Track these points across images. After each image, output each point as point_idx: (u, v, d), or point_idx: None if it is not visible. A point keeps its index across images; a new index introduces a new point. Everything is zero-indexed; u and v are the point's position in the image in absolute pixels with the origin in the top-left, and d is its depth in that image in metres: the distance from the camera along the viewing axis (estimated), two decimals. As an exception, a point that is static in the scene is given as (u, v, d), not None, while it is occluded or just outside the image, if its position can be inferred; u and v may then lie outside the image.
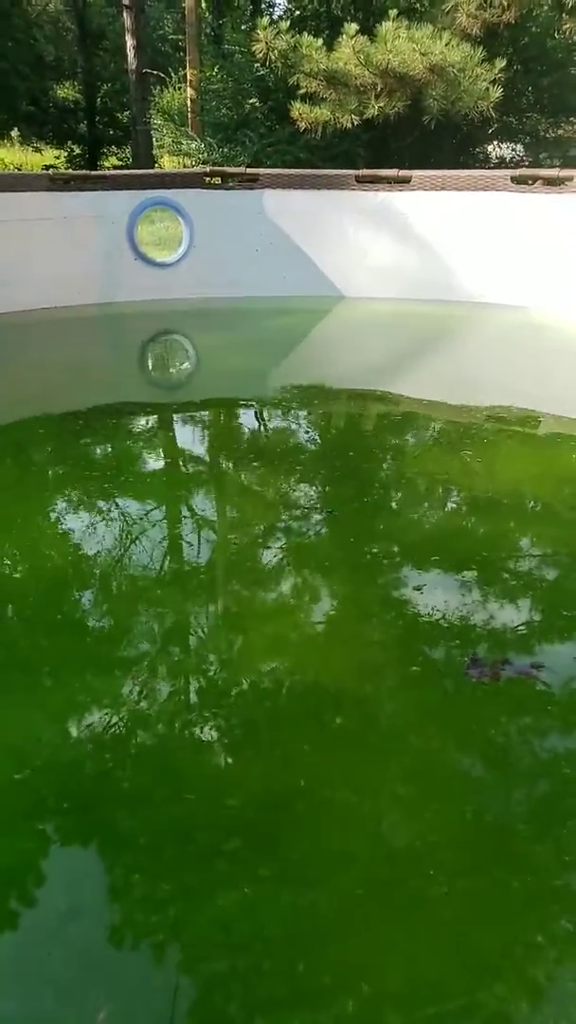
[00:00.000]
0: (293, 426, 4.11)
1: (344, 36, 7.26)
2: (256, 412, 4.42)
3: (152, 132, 11.96)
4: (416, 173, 6.15)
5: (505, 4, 6.75)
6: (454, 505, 3.15)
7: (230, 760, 1.75)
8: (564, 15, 7.15)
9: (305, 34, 7.62)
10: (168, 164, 11.97)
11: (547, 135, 10.57)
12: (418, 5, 9.46)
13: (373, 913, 1.41)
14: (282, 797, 1.65)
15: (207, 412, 4.43)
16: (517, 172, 6.06)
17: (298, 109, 7.77)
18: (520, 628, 2.27)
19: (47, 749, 1.78)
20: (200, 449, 3.88)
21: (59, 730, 1.83)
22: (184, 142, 9.84)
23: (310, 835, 1.56)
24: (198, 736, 1.81)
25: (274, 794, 1.66)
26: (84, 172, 7.99)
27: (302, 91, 7.68)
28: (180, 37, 13.42)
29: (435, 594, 2.38)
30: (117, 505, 3.08)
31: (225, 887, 1.45)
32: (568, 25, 7.28)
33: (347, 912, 1.41)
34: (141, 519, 2.94)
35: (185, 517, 3.10)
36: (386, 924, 1.39)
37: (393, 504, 3.13)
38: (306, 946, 1.36)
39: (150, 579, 2.50)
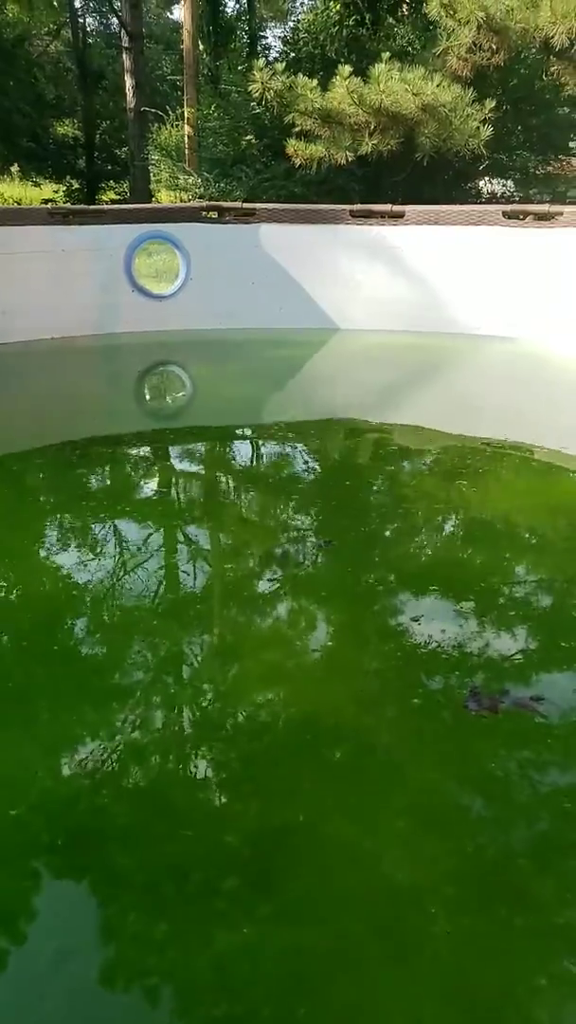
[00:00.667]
0: (289, 456, 4.12)
1: (338, 77, 7.44)
2: (252, 443, 4.44)
3: (149, 168, 12.20)
4: (410, 208, 6.27)
5: (495, 47, 6.95)
6: (450, 535, 3.15)
7: (226, 796, 1.73)
8: (552, 57, 7.36)
9: (300, 75, 7.82)
10: (165, 199, 12.19)
11: (536, 172, 10.81)
12: (410, 48, 9.73)
13: (373, 953, 1.38)
14: (280, 833, 1.62)
15: (203, 443, 4.45)
16: (509, 207, 6.19)
17: (293, 146, 7.93)
18: (519, 659, 2.26)
19: (42, 783, 1.76)
20: (196, 479, 3.89)
21: (54, 764, 1.81)
22: (181, 177, 10.03)
23: (309, 873, 1.54)
24: (194, 771, 1.79)
25: (272, 830, 1.63)
26: (82, 207, 8.13)
27: (297, 129, 7.85)
28: (178, 77, 13.77)
29: (433, 624, 2.37)
30: (113, 535, 3.07)
31: (222, 927, 1.42)
32: (556, 67, 7.49)
33: (347, 952, 1.38)
34: (137, 549, 2.94)
35: (181, 547, 3.09)
36: (387, 964, 1.36)
37: (390, 534, 3.13)
38: (305, 988, 1.32)
39: (146, 610, 2.48)
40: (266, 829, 1.63)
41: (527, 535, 3.16)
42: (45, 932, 1.44)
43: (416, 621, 2.38)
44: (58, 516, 3.30)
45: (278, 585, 2.64)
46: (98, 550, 2.90)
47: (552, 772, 1.82)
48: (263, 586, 2.65)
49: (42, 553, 2.92)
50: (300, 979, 1.34)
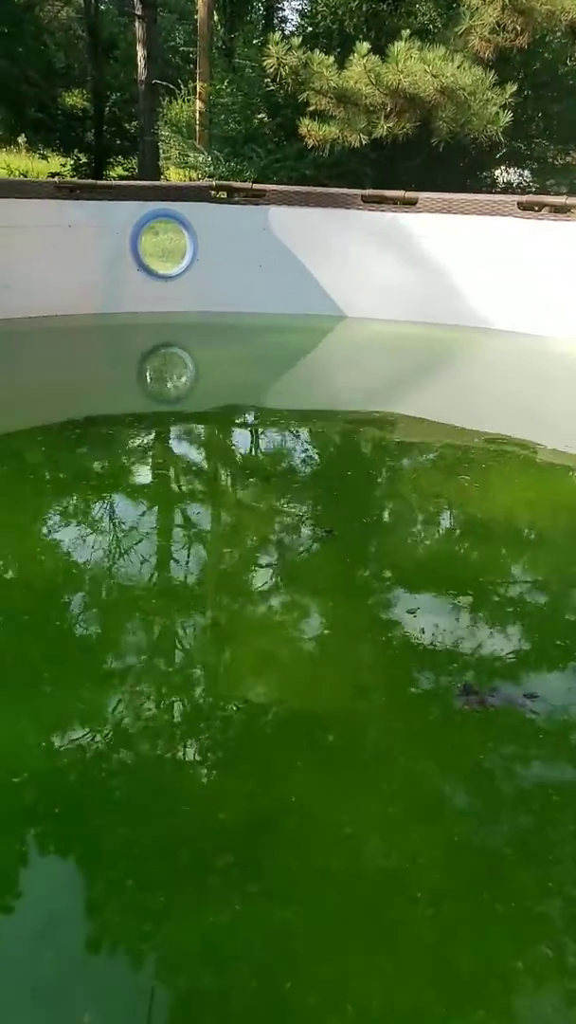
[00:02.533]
0: (291, 444, 4.06)
1: (356, 55, 7.25)
2: (254, 428, 4.36)
3: (159, 144, 11.98)
4: (423, 195, 6.13)
5: (518, 29, 6.76)
6: (450, 529, 3.13)
7: (217, 777, 1.74)
8: None
9: (317, 51, 7.61)
10: (174, 176, 11.98)
11: (555, 162, 10.60)
12: (431, 26, 9.49)
13: (358, 933, 1.41)
14: (272, 814, 1.65)
15: (205, 426, 4.39)
16: (524, 198, 6.04)
17: (307, 126, 7.76)
18: (513, 657, 2.25)
19: (37, 759, 1.77)
20: (197, 463, 3.84)
21: (50, 741, 1.82)
22: (191, 155, 9.84)
23: (298, 854, 1.56)
24: (186, 753, 1.80)
25: (262, 811, 1.65)
26: (90, 181, 7.97)
27: (311, 108, 7.66)
28: (191, 49, 13.48)
29: (429, 618, 2.37)
30: (112, 516, 3.06)
31: (212, 902, 1.44)
32: (579, 53, 7.31)
33: (332, 932, 1.41)
34: (136, 531, 2.91)
35: (181, 531, 3.07)
36: (371, 945, 1.40)
37: (390, 526, 3.11)
38: (291, 965, 1.35)
39: (142, 591, 2.49)
40: (256, 811, 1.65)
41: (526, 532, 3.12)
42: (38, 900, 1.46)
43: (412, 614, 2.38)
44: (57, 495, 3.26)
45: (276, 574, 2.62)
46: (96, 531, 2.88)
47: (541, 767, 1.85)
48: (261, 572, 2.63)
49: (41, 531, 2.91)
50: (286, 956, 1.36)
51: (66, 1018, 1.24)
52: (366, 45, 7.24)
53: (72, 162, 15.38)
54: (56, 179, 9.19)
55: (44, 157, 15.63)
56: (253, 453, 3.97)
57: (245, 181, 7.35)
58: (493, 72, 7.11)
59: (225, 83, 10.31)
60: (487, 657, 2.21)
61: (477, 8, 6.83)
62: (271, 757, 1.81)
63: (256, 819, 1.62)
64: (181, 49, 16.49)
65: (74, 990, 1.28)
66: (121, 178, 14.37)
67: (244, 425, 4.43)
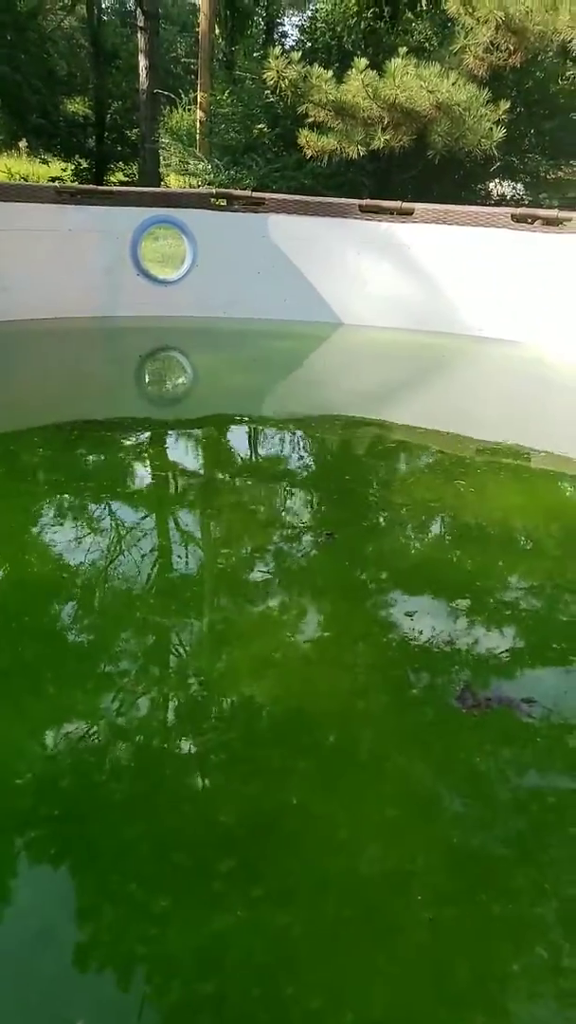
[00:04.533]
0: (288, 448, 4.13)
1: (354, 70, 7.40)
2: (251, 433, 4.44)
3: (160, 151, 12.10)
4: (419, 206, 6.25)
5: (512, 48, 6.92)
6: (447, 534, 3.17)
7: (215, 779, 1.75)
8: (569, 61, 7.35)
9: (316, 65, 7.77)
10: (174, 183, 12.10)
11: (547, 176, 10.77)
12: (427, 44, 9.67)
13: (359, 936, 1.42)
14: (270, 816, 1.65)
15: (202, 430, 4.45)
16: (518, 211, 6.17)
17: (305, 137, 7.90)
18: (511, 660, 2.29)
19: (35, 761, 1.78)
20: (194, 467, 3.89)
21: (50, 742, 1.83)
22: (191, 162, 9.95)
23: (298, 857, 1.57)
24: (182, 754, 1.81)
25: (263, 814, 1.66)
26: (91, 187, 8.05)
27: (310, 120, 7.81)
28: (192, 60, 13.65)
29: (427, 621, 2.40)
30: (109, 518, 3.07)
31: (213, 907, 1.45)
32: (572, 72, 7.47)
33: (333, 935, 1.42)
34: (132, 533, 2.94)
35: (178, 533, 3.10)
36: (372, 948, 1.40)
37: (387, 530, 3.15)
38: (292, 969, 1.36)
39: (139, 592, 2.49)
40: (257, 813, 1.66)
41: (522, 538, 3.18)
42: (33, 907, 1.46)
43: (410, 617, 2.41)
44: (54, 497, 3.29)
45: (278, 574, 2.66)
46: (93, 533, 2.90)
47: (538, 770, 1.86)
48: (263, 574, 2.66)
49: (36, 533, 2.92)
50: (287, 960, 1.37)
51: (62, 1021, 1.24)
52: (364, 61, 7.39)
53: (73, 167, 15.49)
54: (57, 184, 9.28)
55: (45, 162, 15.73)
56: (251, 457, 4.03)
57: (244, 189, 7.46)
58: (487, 89, 7.27)
59: (226, 94, 10.45)
60: (485, 661, 2.24)
61: (472, 28, 7.00)
62: (273, 759, 1.82)
63: (257, 821, 1.63)
64: (182, 60, 16.67)
65: (71, 995, 1.28)
66: (122, 184, 14.47)
67: (241, 429, 4.50)
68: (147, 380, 5.45)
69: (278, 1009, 1.29)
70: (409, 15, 10.45)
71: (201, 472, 3.82)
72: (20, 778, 1.71)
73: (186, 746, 1.84)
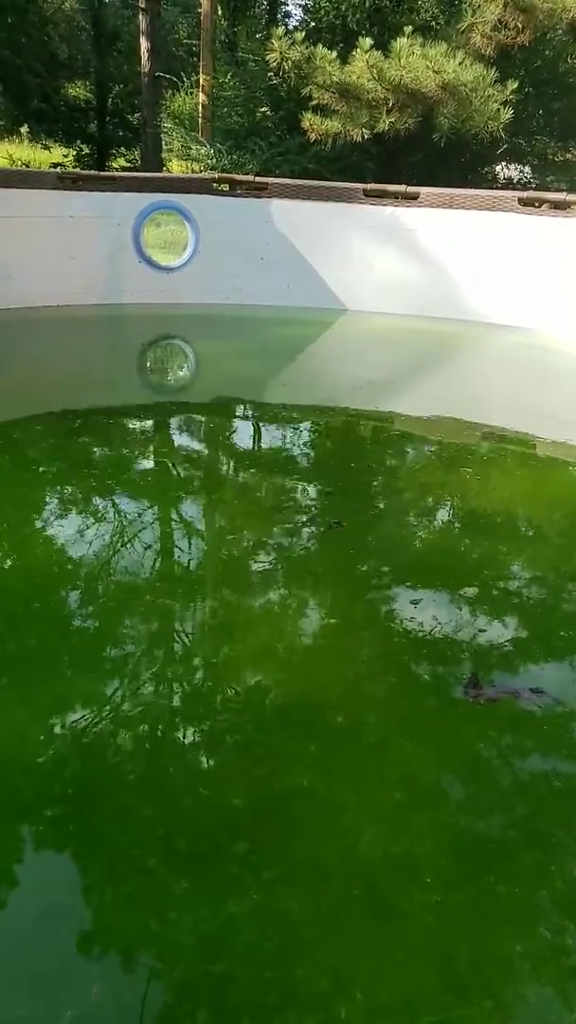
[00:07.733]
0: (292, 436, 4.10)
1: (359, 50, 7.28)
2: (255, 421, 4.41)
3: (162, 136, 11.98)
4: (424, 190, 6.17)
5: (520, 26, 6.80)
6: (452, 523, 3.15)
7: (220, 765, 1.76)
8: (577, 41, 7.22)
9: (320, 46, 7.64)
10: (176, 168, 11.98)
11: (555, 159, 10.64)
12: (433, 23, 9.50)
13: (367, 919, 1.43)
14: (279, 800, 1.67)
15: (205, 418, 4.42)
16: (525, 194, 6.08)
17: (309, 120, 7.79)
18: (517, 649, 2.28)
19: (47, 745, 1.79)
20: (197, 455, 3.87)
21: (51, 729, 1.84)
22: (193, 147, 9.85)
23: (306, 841, 1.58)
24: (186, 742, 1.82)
25: (272, 796, 1.68)
26: (92, 172, 8.00)
27: (314, 102, 7.70)
28: (194, 42, 13.46)
29: (433, 611, 2.40)
30: (112, 507, 3.07)
31: (225, 890, 1.45)
32: (581, 51, 7.35)
33: (342, 917, 1.43)
34: (137, 521, 2.93)
35: (183, 521, 3.09)
36: (380, 931, 1.41)
37: (392, 518, 3.13)
38: (302, 951, 1.37)
39: (148, 581, 2.50)
40: (266, 796, 1.68)
41: (528, 526, 3.16)
42: (39, 890, 1.47)
43: (415, 605, 2.41)
44: (57, 486, 3.28)
45: (285, 561, 2.66)
46: (96, 521, 2.90)
47: (544, 756, 1.88)
48: (270, 562, 2.66)
49: (39, 522, 2.92)
50: (296, 943, 1.38)
51: (64, 1007, 1.24)
52: (368, 41, 7.28)
53: (74, 153, 15.37)
54: (58, 169, 9.20)
55: (47, 147, 15.61)
56: (254, 444, 4.01)
57: (247, 174, 7.37)
58: (494, 69, 7.15)
59: (228, 76, 10.32)
60: (492, 651, 2.24)
61: (479, 5, 6.87)
62: (278, 745, 1.83)
63: (267, 804, 1.65)
64: (184, 42, 16.46)
65: (76, 976, 1.29)
66: (123, 169, 14.37)
67: (245, 417, 4.47)
68: (150, 368, 5.41)
69: (287, 990, 1.30)
70: (415, -7, 10.27)
71: (205, 460, 3.79)
72: (33, 759, 1.73)
73: (193, 731, 1.85)
